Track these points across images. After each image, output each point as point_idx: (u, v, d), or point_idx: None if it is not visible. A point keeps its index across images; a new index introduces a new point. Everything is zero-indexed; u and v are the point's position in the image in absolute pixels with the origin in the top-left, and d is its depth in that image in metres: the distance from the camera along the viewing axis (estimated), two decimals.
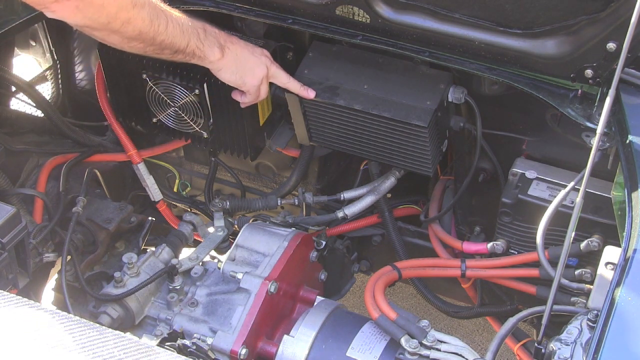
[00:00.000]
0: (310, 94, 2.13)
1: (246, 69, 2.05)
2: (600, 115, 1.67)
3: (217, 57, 2.00)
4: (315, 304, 2.15)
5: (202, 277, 2.14)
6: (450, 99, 2.12)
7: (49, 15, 1.75)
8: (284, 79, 2.12)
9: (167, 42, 1.91)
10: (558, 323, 1.72)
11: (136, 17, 1.82)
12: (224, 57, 2.01)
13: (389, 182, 2.35)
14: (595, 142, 1.61)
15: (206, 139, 2.35)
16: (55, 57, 2.73)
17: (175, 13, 1.92)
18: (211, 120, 2.29)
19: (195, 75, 2.21)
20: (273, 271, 2.08)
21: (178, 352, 1.92)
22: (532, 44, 1.89)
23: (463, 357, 1.89)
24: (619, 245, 1.61)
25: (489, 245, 2.20)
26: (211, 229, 2.33)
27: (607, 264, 1.68)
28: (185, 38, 1.93)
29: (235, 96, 2.13)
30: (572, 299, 2.05)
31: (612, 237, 1.89)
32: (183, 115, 2.30)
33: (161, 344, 1.99)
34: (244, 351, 1.94)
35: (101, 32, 1.84)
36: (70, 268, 2.19)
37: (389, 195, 2.41)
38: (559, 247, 1.84)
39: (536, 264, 2.05)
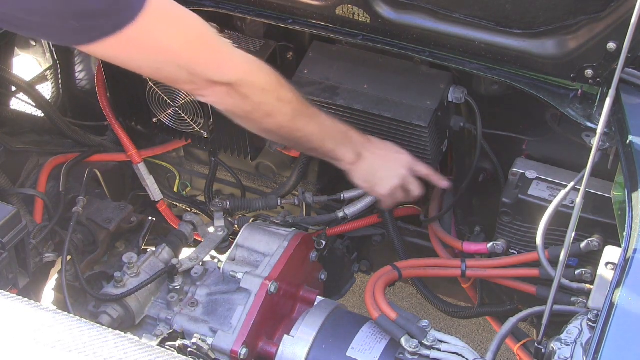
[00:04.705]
0: (443, 184, 2.18)
1: (376, 179, 2.09)
2: (600, 115, 1.67)
3: (350, 161, 2.03)
4: (316, 304, 2.15)
5: (202, 277, 2.14)
6: (450, 99, 2.12)
7: (200, 99, 1.82)
8: (424, 172, 2.14)
9: (304, 140, 1.96)
10: (558, 323, 1.72)
11: (279, 112, 1.86)
12: (356, 163, 2.04)
13: None
14: (595, 142, 1.61)
15: (206, 139, 2.35)
16: (55, 57, 2.73)
17: (320, 113, 1.95)
18: (211, 120, 2.30)
19: None
20: (273, 271, 2.08)
21: (178, 352, 1.92)
22: (532, 44, 1.89)
23: (463, 357, 1.89)
24: (619, 245, 1.61)
25: (489, 245, 2.20)
26: (211, 229, 2.33)
27: (607, 264, 1.68)
28: (322, 139, 1.97)
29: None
30: (572, 299, 2.04)
31: (612, 237, 1.89)
32: (183, 115, 2.30)
33: (161, 344, 1.99)
34: (244, 351, 1.94)
35: (242, 120, 1.88)
36: (70, 268, 2.19)
37: None
38: (559, 247, 1.84)
39: (536, 264, 2.05)
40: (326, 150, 2.01)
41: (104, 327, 1.48)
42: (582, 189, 1.60)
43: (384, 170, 2.09)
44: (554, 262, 1.92)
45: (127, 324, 2.09)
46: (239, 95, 1.77)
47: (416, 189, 2.14)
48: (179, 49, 1.67)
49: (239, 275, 2.06)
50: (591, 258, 2.03)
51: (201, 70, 1.72)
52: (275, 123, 1.88)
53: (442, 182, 2.21)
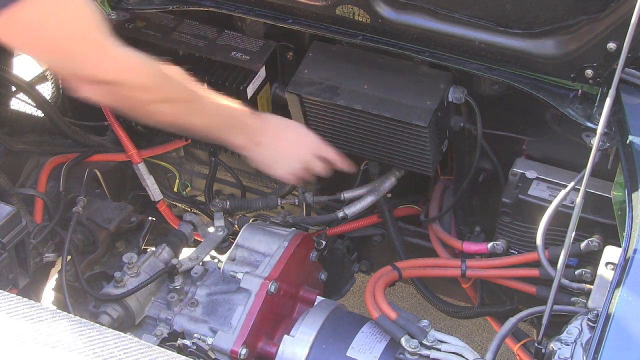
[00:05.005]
0: (348, 168, 2.14)
1: (275, 163, 2.05)
2: (600, 115, 1.67)
3: (244, 148, 2.01)
4: (316, 304, 2.15)
5: (202, 277, 2.14)
6: (450, 99, 2.12)
7: (81, 95, 1.75)
8: (329, 155, 2.11)
9: (192, 131, 1.95)
10: (558, 323, 1.72)
11: (162, 112, 1.83)
12: (253, 149, 2.02)
13: (389, 182, 2.35)
14: (595, 142, 1.61)
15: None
16: None
17: (212, 101, 1.92)
18: None
19: (195, 75, 2.21)
20: (273, 271, 2.08)
21: (178, 352, 1.91)
22: (532, 44, 1.89)
23: (463, 357, 1.89)
24: (619, 245, 1.61)
25: (489, 245, 2.20)
26: (211, 229, 2.33)
27: (607, 264, 1.68)
28: (210, 129, 1.94)
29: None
30: (572, 299, 2.04)
31: (612, 237, 1.89)
32: None
33: (161, 344, 1.99)
34: (244, 351, 1.94)
35: (126, 114, 1.87)
36: (70, 268, 2.19)
37: (389, 195, 2.41)
38: (559, 247, 1.84)
39: (536, 264, 2.05)
40: (217, 139, 1.97)
41: (104, 327, 1.48)
42: (582, 189, 1.60)
43: (283, 155, 2.05)
44: (554, 262, 1.92)
45: (127, 324, 2.09)
46: (119, 95, 1.73)
47: (321, 171, 2.09)
48: (60, 40, 1.61)
49: (239, 275, 2.06)
50: (591, 258, 2.03)
51: (81, 66, 1.66)
52: (159, 120, 1.84)
53: (348, 166, 2.15)
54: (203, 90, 1.92)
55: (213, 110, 1.93)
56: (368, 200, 2.35)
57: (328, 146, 2.10)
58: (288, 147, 2.05)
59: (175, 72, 1.83)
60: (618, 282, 1.52)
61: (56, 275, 2.29)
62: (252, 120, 1.99)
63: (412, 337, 1.90)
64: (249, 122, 1.99)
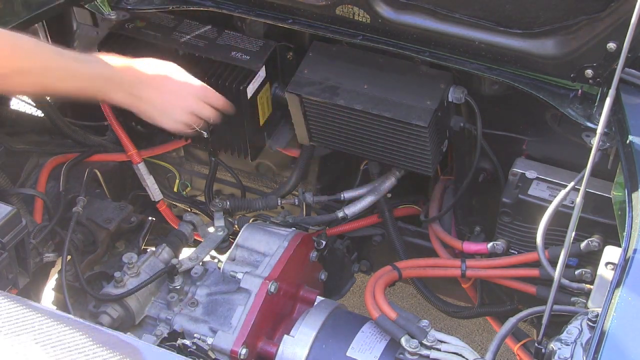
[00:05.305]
0: (229, 109, 2.08)
1: (160, 116, 2.00)
2: (600, 115, 1.67)
3: (123, 103, 1.96)
4: (316, 304, 2.15)
5: (202, 277, 2.14)
6: (450, 99, 2.12)
7: None
8: (217, 102, 2.07)
9: (59, 95, 1.90)
10: (558, 323, 1.72)
11: (18, 83, 1.78)
12: (134, 104, 1.96)
13: (389, 182, 2.35)
14: (595, 142, 1.60)
15: (206, 139, 2.35)
16: None
17: (77, 64, 1.85)
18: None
19: (195, 75, 2.21)
20: (273, 271, 2.08)
21: (178, 352, 1.92)
22: (532, 44, 1.89)
23: (463, 357, 1.89)
24: (619, 245, 1.61)
25: (489, 245, 2.20)
26: (211, 229, 2.33)
27: (607, 264, 1.68)
28: (79, 91, 1.88)
29: None
30: (572, 299, 2.04)
31: (612, 237, 1.89)
32: None
33: (161, 344, 1.99)
34: (244, 351, 1.94)
35: None
36: (70, 268, 2.19)
37: (389, 195, 2.42)
38: (559, 247, 1.84)
39: (536, 264, 2.05)
40: (90, 98, 1.92)
41: (104, 327, 1.49)
42: (582, 189, 1.60)
43: (169, 106, 2.00)
44: (554, 262, 1.92)
45: (127, 324, 2.09)
46: None
47: (210, 117, 2.06)
48: None
49: (239, 275, 2.06)
50: (591, 258, 2.03)
51: None
52: (21, 91, 1.82)
53: (230, 109, 2.12)
54: (65, 54, 1.86)
55: (80, 72, 1.88)
56: (368, 200, 2.35)
57: (212, 90, 2.05)
58: (172, 98, 2.00)
59: (26, 42, 1.78)
60: (618, 282, 1.52)
61: (56, 275, 2.29)
62: (129, 75, 1.94)
63: (412, 337, 1.90)
64: (126, 77, 1.93)
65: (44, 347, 1.39)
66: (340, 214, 2.35)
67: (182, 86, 2.02)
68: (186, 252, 2.25)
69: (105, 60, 1.92)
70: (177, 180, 2.76)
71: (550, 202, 1.91)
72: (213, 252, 2.30)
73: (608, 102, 1.57)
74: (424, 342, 1.90)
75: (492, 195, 2.21)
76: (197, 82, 2.04)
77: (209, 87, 2.05)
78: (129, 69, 1.94)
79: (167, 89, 2.00)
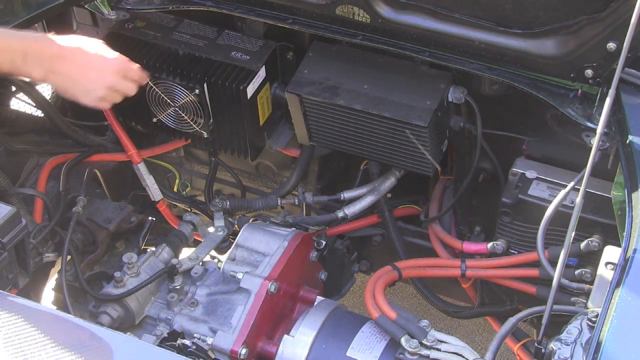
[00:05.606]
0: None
1: (78, 91, 1.97)
2: (600, 115, 1.67)
3: (39, 78, 1.94)
4: (316, 303, 2.15)
5: (202, 277, 2.14)
6: (450, 99, 2.12)
7: None
8: (136, 76, 2.02)
9: None
10: (558, 323, 1.72)
11: None
12: (51, 78, 1.93)
13: (389, 182, 2.35)
14: (595, 142, 1.60)
15: (206, 139, 2.36)
16: None
17: None
18: (211, 120, 2.30)
19: (195, 75, 2.22)
20: (273, 271, 2.08)
21: (178, 352, 1.92)
22: (532, 44, 1.89)
23: (463, 357, 1.89)
24: (619, 245, 1.61)
25: (489, 245, 2.20)
26: (211, 229, 2.33)
27: (607, 264, 1.68)
28: (4, 66, 1.85)
29: None
30: (572, 299, 2.05)
31: (612, 237, 1.89)
32: (183, 115, 2.30)
33: (161, 343, 1.99)
34: (244, 351, 1.94)
35: None
36: (70, 268, 2.19)
37: (389, 195, 2.42)
38: (559, 247, 1.84)
39: (536, 264, 2.05)
40: (11, 74, 1.89)
41: (104, 327, 1.49)
42: (582, 189, 1.60)
43: (89, 81, 1.95)
44: (554, 262, 1.92)
45: (127, 324, 2.09)
46: None
47: (129, 91, 2.01)
48: None
49: (239, 275, 2.06)
50: (591, 258, 2.03)
51: None
52: None
53: (144, 78, 2.06)
54: None
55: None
56: (368, 200, 2.35)
57: (130, 64, 2.01)
58: (91, 73, 1.96)
59: None
60: (618, 282, 1.52)
61: (56, 275, 2.29)
62: (47, 49, 1.90)
63: (412, 337, 1.90)
64: (44, 52, 1.89)
65: (44, 347, 1.39)
66: (340, 214, 2.35)
67: (101, 61, 1.97)
68: (186, 252, 2.26)
69: (22, 34, 1.89)
70: (177, 180, 2.76)
71: (550, 202, 1.91)
72: (213, 252, 2.30)
73: (608, 102, 1.57)
74: (424, 342, 1.90)
75: (492, 195, 2.22)
76: (116, 56, 1.99)
77: (127, 60, 2.01)
78: (46, 44, 1.91)
79: (87, 65, 1.95)
